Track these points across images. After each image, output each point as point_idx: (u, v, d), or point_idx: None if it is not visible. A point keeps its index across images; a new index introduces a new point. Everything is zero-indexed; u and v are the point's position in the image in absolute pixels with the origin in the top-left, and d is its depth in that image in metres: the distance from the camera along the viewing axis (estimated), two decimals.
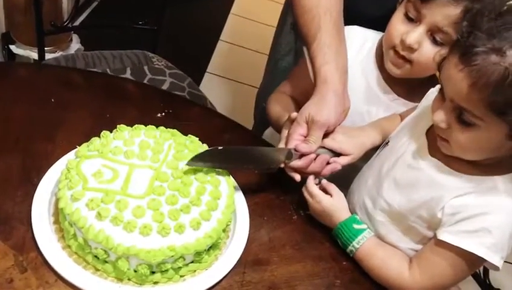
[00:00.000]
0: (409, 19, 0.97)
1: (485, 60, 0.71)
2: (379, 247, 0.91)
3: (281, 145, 0.96)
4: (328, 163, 0.95)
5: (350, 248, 0.90)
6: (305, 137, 0.94)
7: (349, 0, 1.01)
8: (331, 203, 0.92)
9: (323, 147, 0.95)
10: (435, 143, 0.86)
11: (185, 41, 2.54)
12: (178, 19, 2.53)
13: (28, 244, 0.78)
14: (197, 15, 2.83)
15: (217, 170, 0.88)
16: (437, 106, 0.81)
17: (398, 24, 0.99)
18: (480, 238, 0.81)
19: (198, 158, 0.85)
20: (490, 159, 0.81)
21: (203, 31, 2.75)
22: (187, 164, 0.85)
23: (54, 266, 0.76)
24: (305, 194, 0.94)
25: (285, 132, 0.97)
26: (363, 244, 0.89)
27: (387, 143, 0.99)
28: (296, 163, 0.93)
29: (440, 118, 0.80)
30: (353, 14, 1.06)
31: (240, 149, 0.93)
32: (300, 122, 0.94)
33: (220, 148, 0.88)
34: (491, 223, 0.80)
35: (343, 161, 0.95)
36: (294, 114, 0.96)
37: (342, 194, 0.94)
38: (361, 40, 1.11)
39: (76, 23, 2.16)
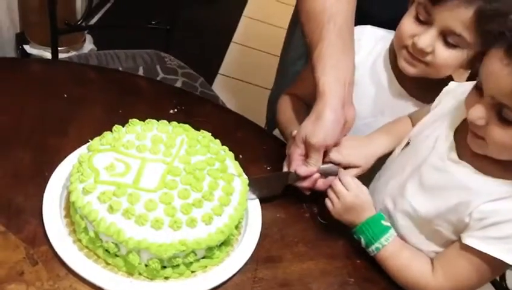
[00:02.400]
0: (420, 21, 0.95)
1: None
2: (404, 247, 0.89)
3: (285, 163, 0.95)
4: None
5: (376, 245, 0.87)
6: (306, 157, 0.91)
7: (360, 3, 0.99)
8: (367, 198, 0.89)
9: (331, 162, 0.93)
10: (464, 145, 0.83)
11: (198, 43, 2.55)
12: (191, 20, 2.53)
13: (39, 237, 0.78)
14: (210, 16, 2.83)
15: (229, 166, 0.87)
16: (473, 102, 0.78)
17: (408, 25, 0.97)
18: (508, 245, 0.79)
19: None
20: None
21: (215, 33, 2.75)
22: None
23: (65, 260, 0.75)
24: (339, 187, 0.89)
25: (288, 149, 0.95)
26: (390, 242, 0.87)
27: (408, 143, 0.96)
28: (301, 184, 0.92)
29: (478, 114, 0.76)
30: (364, 17, 1.05)
31: (257, 179, 0.92)
32: (298, 144, 0.91)
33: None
34: None
35: (351, 173, 0.93)
36: (294, 132, 0.93)
37: (367, 190, 0.91)
38: (373, 42, 1.09)
39: (90, 23, 2.17)
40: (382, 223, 0.88)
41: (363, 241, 0.89)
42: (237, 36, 2.84)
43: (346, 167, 0.93)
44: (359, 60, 1.04)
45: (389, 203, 0.93)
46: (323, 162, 0.92)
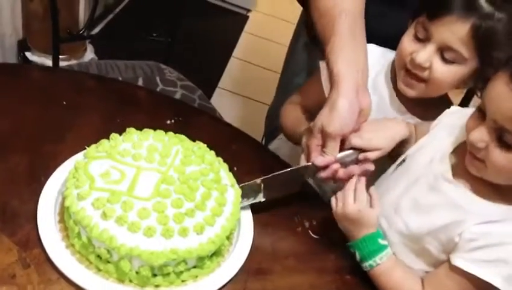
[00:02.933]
0: (418, 39, 0.97)
1: None
2: (397, 266, 0.89)
3: (302, 155, 0.95)
4: (358, 161, 0.92)
5: (370, 262, 0.88)
6: (322, 147, 0.92)
7: None
8: (369, 217, 0.88)
9: (352, 148, 0.92)
10: (460, 166, 0.84)
11: (198, 56, 2.57)
12: (192, 33, 2.56)
13: (32, 241, 0.78)
14: (211, 31, 2.87)
15: (223, 177, 0.89)
16: (474, 125, 0.79)
17: (407, 44, 0.99)
18: (498, 268, 0.79)
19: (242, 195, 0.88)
20: None
21: (216, 47, 2.78)
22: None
23: (57, 264, 0.76)
24: (349, 193, 0.89)
25: (303, 143, 0.96)
26: (385, 261, 0.87)
27: (403, 161, 0.97)
28: (321, 175, 0.92)
29: (479, 137, 0.77)
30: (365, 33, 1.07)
31: (271, 178, 0.93)
32: (315, 134, 0.91)
33: (258, 181, 0.90)
34: (509, 254, 0.79)
35: (372, 155, 0.92)
36: (311, 124, 0.94)
37: (380, 210, 0.90)
38: (375, 58, 1.10)
39: (92, 33, 2.19)
40: (379, 241, 0.89)
41: (357, 256, 0.90)
42: (237, 51, 2.87)
43: (366, 151, 0.93)
44: None
45: (384, 222, 0.93)
46: (342, 150, 0.92)
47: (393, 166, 0.99)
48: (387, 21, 1.10)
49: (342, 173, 0.92)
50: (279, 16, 3.13)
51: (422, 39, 0.96)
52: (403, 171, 0.95)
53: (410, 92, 1.01)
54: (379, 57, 1.11)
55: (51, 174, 0.87)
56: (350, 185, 0.90)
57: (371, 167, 0.93)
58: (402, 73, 1.01)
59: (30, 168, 0.90)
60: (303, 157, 0.95)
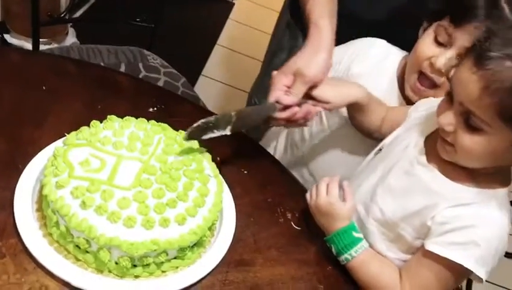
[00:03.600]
0: (439, 43, 0.97)
1: (499, 65, 0.71)
2: (374, 258, 0.90)
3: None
4: None
5: (346, 255, 0.88)
6: (288, 88, 0.93)
7: (345, 2, 1.02)
8: (341, 210, 0.90)
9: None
10: (433, 151, 0.86)
11: (182, 42, 2.53)
12: (176, 19, 2.53)
13: (9, 230, 0.76)
14: (196, 17, 2.83)
15: (206, 167, 0.87)
16: (443, 109, 0.81)
17: (426, 47, 0.98)
18: (469, 250, 0.80)
19: (195, 132, 0.87)
20: (487, 170, 0.81)
21: (200, 34, 2.74)
22: (187, 138, 0.87)
23: (34, 253, 0.74)
24: (321, 187, 0.91)
25: (273, 79, 0.96)
26: (360, 253, 0.88)
27: (380, 150, 0.98)
28: (281, 115, 0.94)
29: (447, 120, 0.80)
30: (349, 17, 1.07)
31: (243, 111, 0.93)
32: (286, 73, 0.93)
33: (232, 112, 0.90)
34: (480, 236, 0.80)
35: (321, 107, 0.96)
36: (286, 64, 0.95)
37: (354, 203, 0.92)
38: (382, 53, 1.11)
39: (74, 16, 2.14)
40: (353, 234, 0.89)
41: (333, 250, 0.91)
42: (222, 39, 2.84)
43: (318, 101, 0.95)
44: (364, 68, 1.08)
45: (361, 209, 0.94)
46: None
47: (370, 155, 1.01)
48: (370, 2, 1.10)
49: (299, 113, 0.94)
50: (264, 4, 3.10)
51: (443, 43, 0.96)
52: (380, 160, 0.96)
53: (416, 99, 1.02)
54: (385, 55, 1.11)
55: (28, 161, 0.85)
56: (324, 180, 0.92)
57: (318, 108, 0.96)
58: (413, 77, 1.01)
59: (7, 154, 0.87)
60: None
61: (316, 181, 1.12)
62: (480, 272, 0.80)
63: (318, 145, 1.18)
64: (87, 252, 0.76)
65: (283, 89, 0.93)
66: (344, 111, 1.09)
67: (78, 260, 0.76)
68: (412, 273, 0.87)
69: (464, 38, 0.93)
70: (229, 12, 3.08)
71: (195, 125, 0.87)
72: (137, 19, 1.67)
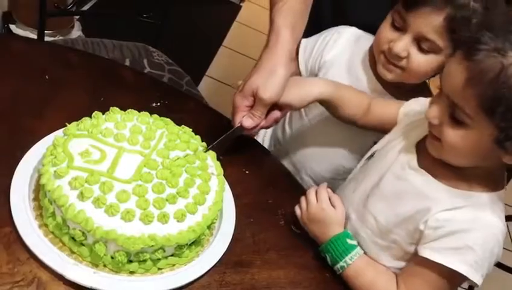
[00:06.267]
0: (396, 28, 0.99)
1: (486, 56, 0.71)
2: (369, 265, 0.88)
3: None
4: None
5: (341, 263, 0.87)
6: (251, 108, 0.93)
7: (342, 7, 1.04)
8: (333, 215, 0.90)
9: None
10: (425, 156, 0.85)
11: (188, 42, 2.52)
12: (184, 18, 2.52)
13: (4, 218, 0.75)
14: (203, 18, 2.82)
15: (210, 165, 0.86)
16: (432, 102, 0.81)
17: (385, 31, 1.01)
18: (463, 255, 0.79)
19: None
20: (478, 172, 0.81)
21: (206, 35, 2.74)
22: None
23: (28, 243, 0.72)
24: (310, 196, 0.91)
25: (234, 100, 0.96)
26: (355, 261, 0.87)
27: (372, 155, 0.97)
28: (249, 133, 0.96)
29: (433, 113, 0.79)
30: (345, 20, 1.11)
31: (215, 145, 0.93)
32: (246, 95, 0.93)
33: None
34: (474, 240, 0.79)
35: (282, 112, 0.96)
36: (240, 82, 0.95)
37: (344, 209, 0.91)
38: (351, 41, 1.13)
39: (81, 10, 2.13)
40: (347, 241, 0.88)
41: (328, 259, 0.89)
42: (228, 40, 2.83)
43: (281, 106, 0.95)
44: (335, 54, 1.09)
45: (354, 217, 0.93)
46: None
47: (362, 161, 1.00)
48: (366, 8, 1.12)
49: (264, 122, 0.95)
50: None
51: (400, 28, 0.98)
52: (372, 165, 0.95)
53: (389, 75, 1.03)
54: (356, 39, 1.13)
55: (27, 149, 0.84)
56: (312, 188, 0.92)
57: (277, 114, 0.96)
58: (381, 57, 1.03)
59: (6, 142, 0.86)
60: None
61: (302, 176, 1.17)
62: (475, 277, 0.79)
63: (300, 140, 1.18)
64: (83, 244, 0.74)
65: (245, 110, 0.93)
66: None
67: (73, 252, 0.75)
68: (408, 280, 0.85)
69: (417, 22, 0.95)
70: (235, 14, 3.08)
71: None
72: (145, 15, 1.66)
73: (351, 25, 1.14)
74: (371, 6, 1.10)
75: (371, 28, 1.08)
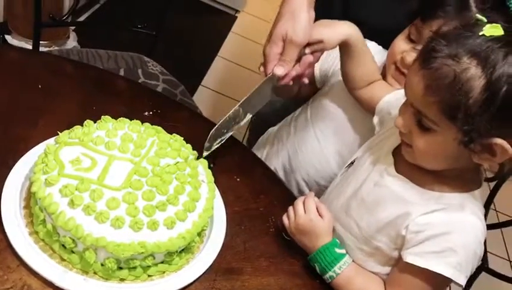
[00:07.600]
0: (411, 40, 1.01)
1: (441, 64, 0.73)
2: (358, 274, 0.88)
3: (261, 64, 0.97)
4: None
5: (330, 273, 0.87)
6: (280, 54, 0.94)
7: (356, 11, 1.04)
8: (321, 225, 0.89)
9: None
10: (402, 160, 0.86)
11: (183, 52, 2.54)
12: (180, 29, 2.53)
13: None
14: (199, 28, 2.84)
15: (200, 173, 0.86)
16: (400, 111, 0.83)
17: (400, 42, 1.03)
18: (446, 258, 0.80)
19: (211, 141, 0.91)
20: (455, 172, 0.82)
21: (202, 45, 2.76)
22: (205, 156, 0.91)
23: (18, 251, 0.73)
24: (298, 206, 0.91)
25: (264, 51, 0.96)
26: (344, 270, 0.87)
27: (352, 163, 0.98)
28: (283, 82, 0.95)
29: (401, 122, 0.81)
30: (358, 25, 1.09)
31: (246, 100, 0.95)
32: (276, 42, 0.93)
33: (236, 107, 0.93)
34: (456, 242, 0.80)
35: (316, 47, 0.96)
36: (273, 33, 0.95)
37: (331, 218, 0.91)
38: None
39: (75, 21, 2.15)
40: (336, 251, 0.88)
41: (317, 269, 0.89)
42: (223, 51, 2.85)
43: (313, 47, 0.96)
44: None
45: (337, 224, 0.93)
46: None
47: (343, 168, 1.01)
48: (381, 14, 1.13)
49: (298, 68, 0.95)
50: (267, 18, 3.11)
51: (414, 40, 1.00)
52: (352, 173, 0.96)
53: (398, 86, 1.04)
54: (375, 53, 1.12)
55: (19, 158, 0.84)
56: (298, 200, 0.92)
57: (310, 58, 0.97)
58: (392, 68, 1.05)
59: None
60: (261, 64, 0.97)
61: (296, 178, 1.18)
62: (460, 278, 0.80)
63: (302, 143, 1.19)
64: (73, 252, 0.74)
65: (276, 58, 0.94)
66: (327, 105, 1.12)
67: (63, 259, 0.75)
68: (395, 286, 0.86)
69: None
70: (231, 25, 3.10)
71: (208, 138, 0.91)
72: (139, 26, 1.67)
73: (361, 26, 1.12)
74: (384, 8, 1.12)
75: (382, 31, 1.10)
